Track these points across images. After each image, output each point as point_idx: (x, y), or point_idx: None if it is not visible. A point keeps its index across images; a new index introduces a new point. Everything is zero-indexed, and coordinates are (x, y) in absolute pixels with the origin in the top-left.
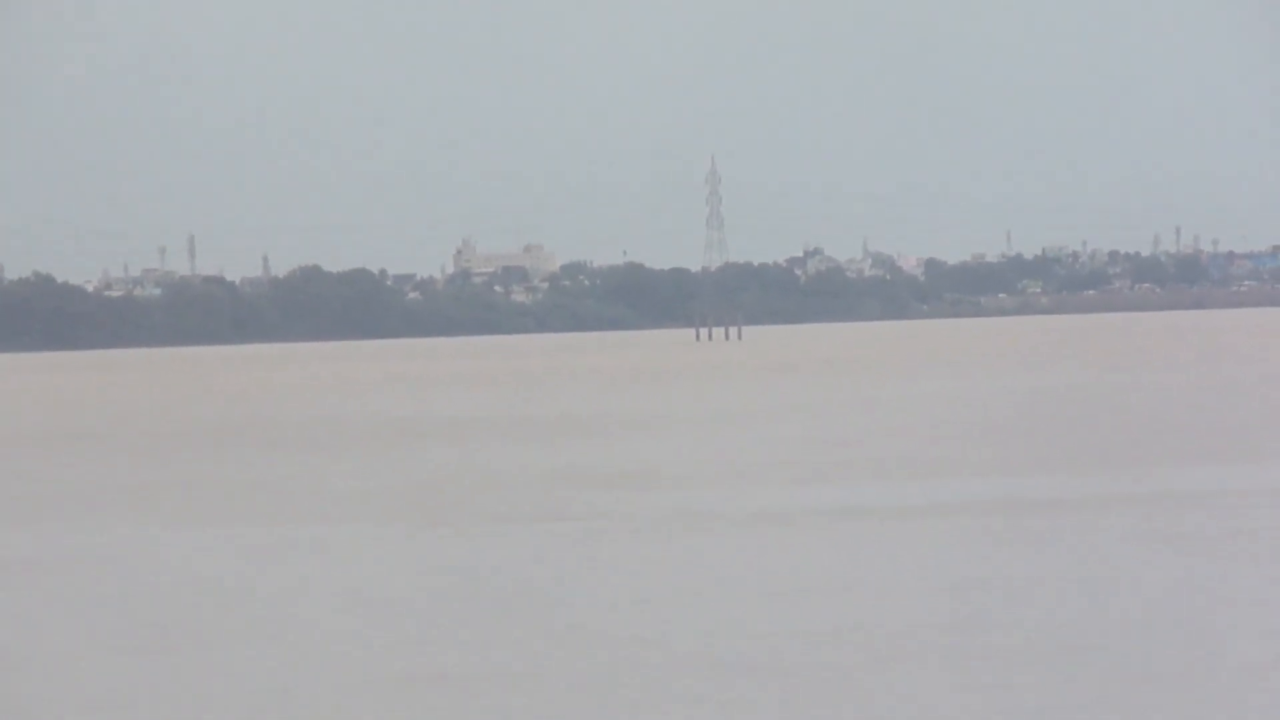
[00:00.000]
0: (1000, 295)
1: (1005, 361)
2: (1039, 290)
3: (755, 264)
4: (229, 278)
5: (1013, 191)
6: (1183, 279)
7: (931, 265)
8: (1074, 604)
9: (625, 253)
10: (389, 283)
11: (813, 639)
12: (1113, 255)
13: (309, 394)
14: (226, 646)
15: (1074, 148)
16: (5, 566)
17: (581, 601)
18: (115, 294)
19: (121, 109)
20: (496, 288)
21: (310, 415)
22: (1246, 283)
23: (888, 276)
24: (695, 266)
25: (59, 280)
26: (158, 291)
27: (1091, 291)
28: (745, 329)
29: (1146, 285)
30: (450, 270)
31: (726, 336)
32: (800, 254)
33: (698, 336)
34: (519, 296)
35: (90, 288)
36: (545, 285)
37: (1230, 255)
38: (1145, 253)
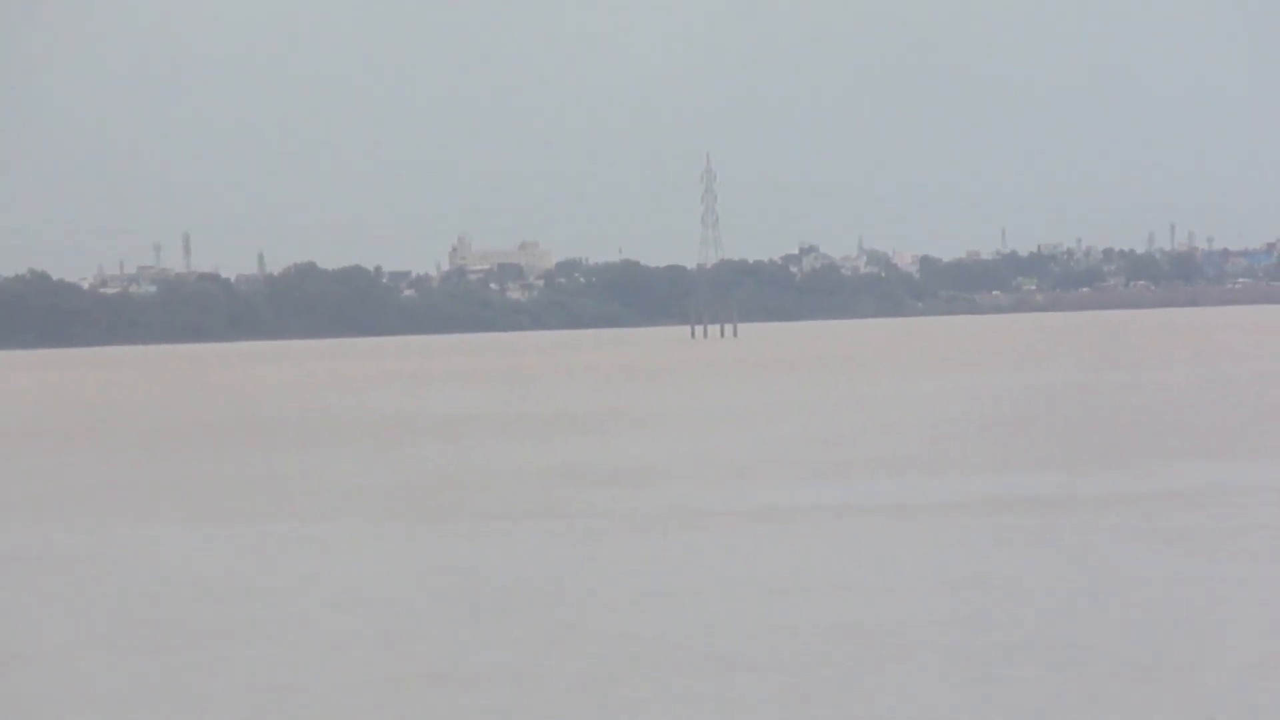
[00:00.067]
0: (995, 293)
1: (1001, 359)
2: (1034, 288)
3: (750, 261)
4: (224, 275)
5: (1008, 189)
6: (1177, 276)
7: (927, 263)
8: (1072, 601)
9: (621, 250)
10: (384, 280)
11: (812, 636)
12: (1108, 253)
13: (305, 391)
14: (225, 644)
15: (1069, 145)
16: (4, 564)
17: (579, 599)
18: (110, 291)
19: (117, 107)
20: (492, 285)
21: (307, 413)
22: (1241, 280)
23: (883, 274)
24: (691, 264)
25: (54, 277)
26: (153, 289)
27: (1086, 289)
28: (741, 326)
29: (1141, 283)
30: (446, 267)
31: (722, 334)
32: (795, 251)
33: (693, 334)
34: (514, 294)
35: (86, 285)
36: (541, 282)
37: (1225, 253)
38: (1140, 250)
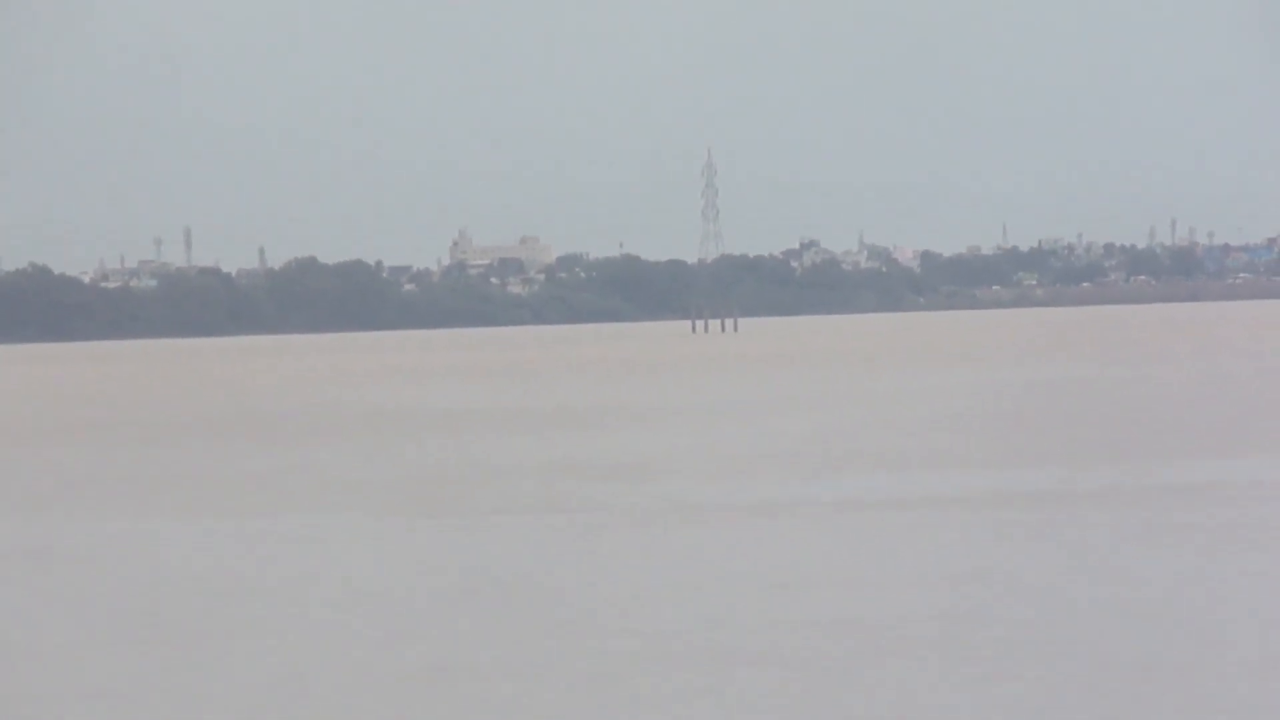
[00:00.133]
0: (995, 287)
1: (1001, 354)
2: (1034, 282)
3: (751, 256)
4: (225, 269)
5: (1008, 184)
6: (1178, 271)
7: (927, 258)
8: (1072, 597)
9: (621, 245)
10: (385, 274)
11: (811, 631)
12: (1108, 248)
13: (305, 386)
14: (225, 639)
15: (1069, 140)
16: (3, 559)
17: (580, 593)
18: (111, 285)
19: (118, 102)
20: (492, 279)
21: (307, 407)
22: (1242, 275)
23: (883, 269)
24: (691, 258)
25: (55, 272)
26: (154, 283)
27: (1087, 284)
28: (741, 321)
29: (1142, 278)
30: (446, 262)
31: (722, 328)
32: (796, 246)
33: (694, 328)
34: (515, 288)
35: (87, 279)
36: (541, 277)
37: (1226, 248)
38: (1141, 245)
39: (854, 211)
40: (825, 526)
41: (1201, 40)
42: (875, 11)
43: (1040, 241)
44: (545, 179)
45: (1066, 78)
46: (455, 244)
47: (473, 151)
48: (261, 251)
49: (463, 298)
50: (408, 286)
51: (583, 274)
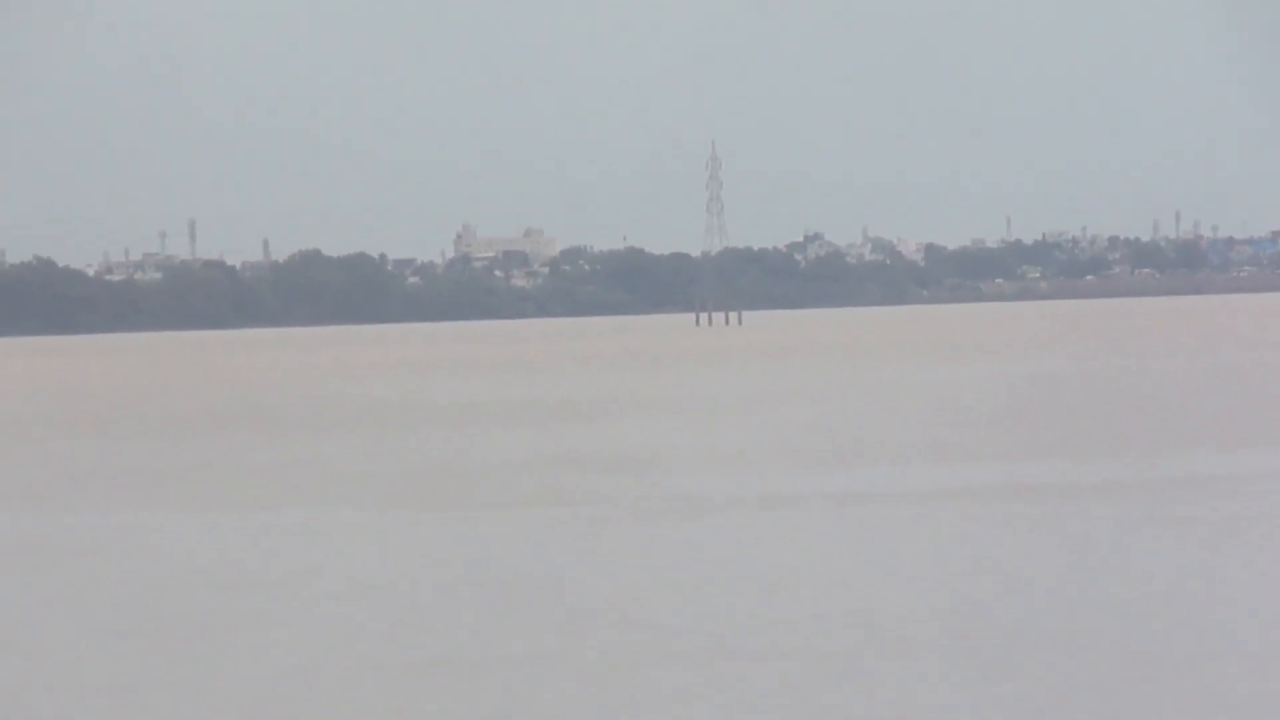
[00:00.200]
0: (1000, 281)
1: (1005, 347)
2: (1038, 276)
3: (755, 249)
4: (229, 262)
5: (1012, 177)
6: (1182, 264)
7: (931, 250)
8: (1078, 590)
9: (625, 237)
10: (389, 267)
11: (816, 625)
12: (1112, 241)
13: (309, 379)
14: (229, 632)
15: (1074, 134)
16: (7, 550)
17: (583, 587)
18: (116, 278)
19: (122, 95)
20: (497, 272)
21: (311, 400)
22: (1246, 268)
23: (888, 262)
24: (695, 251)
25: (60, 265)
26: (158, 276)
27: (1091, 277)
28: (745, 314)
29: (1146, 271)
30: (450, 255)
31: (727, 321)
32: (800, 239)
33: (698, 321)
34: (519, 281)
35: (91, 272)
36: (545, 270)
37: (1230, 241)
38: (1145, 238)
39: (858, 204)
40: (829, 520)
41: (1206, 33)
42: (881, 6)
43: (1044, 234)
44: (549, 172)
45: (1072, 70)
46: (459, 237)
47: (477, 145)
48: (266, 244)
49: (467, 290)
50: (412, 279)
51: (587, 267)
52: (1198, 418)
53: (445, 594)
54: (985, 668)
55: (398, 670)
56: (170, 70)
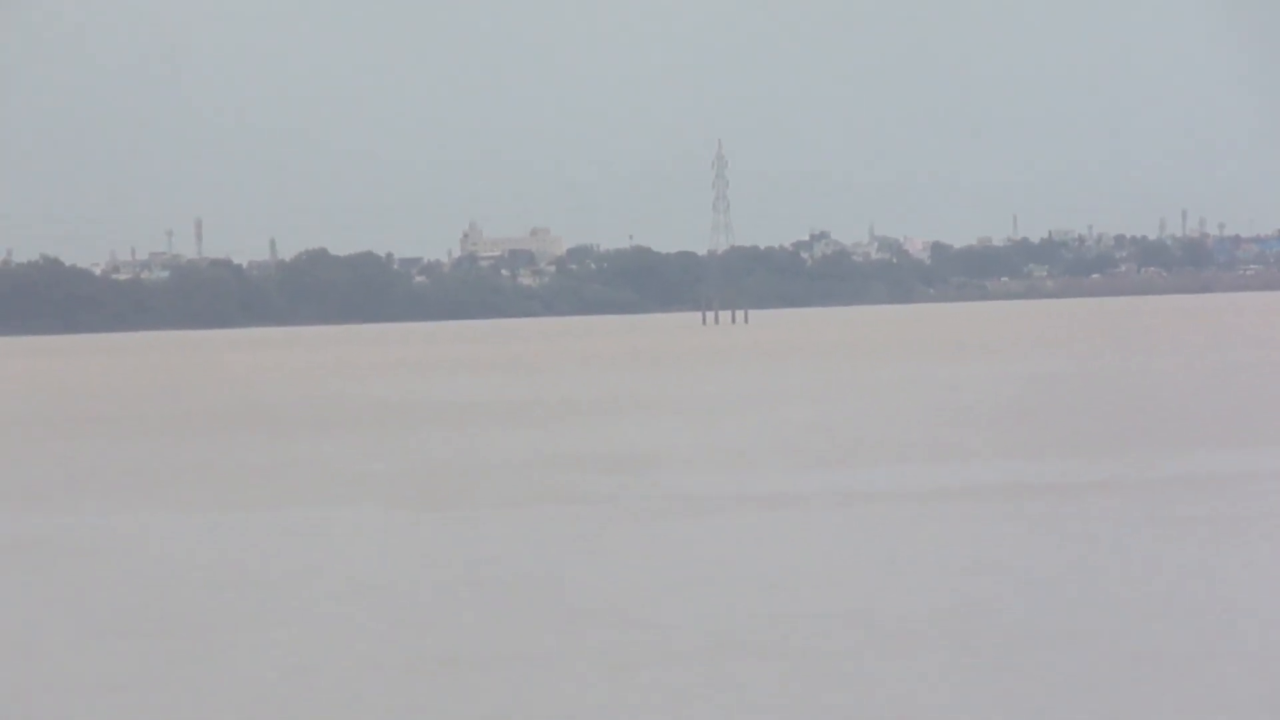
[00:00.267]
0: (1006, 279)
1: (1012, 346)
2: (1045, 274)
3: (762, 248)
4: (236, 261)
5: (1019, 176)
6: (1189, 263)
7: (938, 249)
8: (1079, 589)
9: (632, 236)
10: (395, 266)
11: (819, 623)
12: (1119, 239)
13: (315, 378)
14: (231, 631)
15: (1080, 132)
16: (9, 550)
17: (584, 587)
18: (122, 277)
19: (128, 93)
20: (503, 271)
21: (315, 399)
22: (1252, 267)
23: (894, 260)
24: (702, 250)
25: (66, 264)
26: (165, 275)
27: (1097, 275)
28: (752, 313)
29: (1152, 269)
30: (457, 254)
31: (733, 320)
32: (806, 238)
33: (704, 320)
34: (525, 280)
35: (98, 271)
36: (552, 269)
37: (1236, 239)
38: (1151, 237)
39: (864, 203)
40: (832, 518)
41: (1212, 31)
42: (887, 4)
43: (1051, 233)
44: (556, 171)
45: (1077, 69)
46: (466, 236)
47: (484, 144)
48: (272, 243)
49: (473, 289)
50: (418, 278)
51: (593, 265)
52: (1200, 417)
53: (446, 594)
54: (986, 667)
55: (398, 670)
56: (171, 70)
